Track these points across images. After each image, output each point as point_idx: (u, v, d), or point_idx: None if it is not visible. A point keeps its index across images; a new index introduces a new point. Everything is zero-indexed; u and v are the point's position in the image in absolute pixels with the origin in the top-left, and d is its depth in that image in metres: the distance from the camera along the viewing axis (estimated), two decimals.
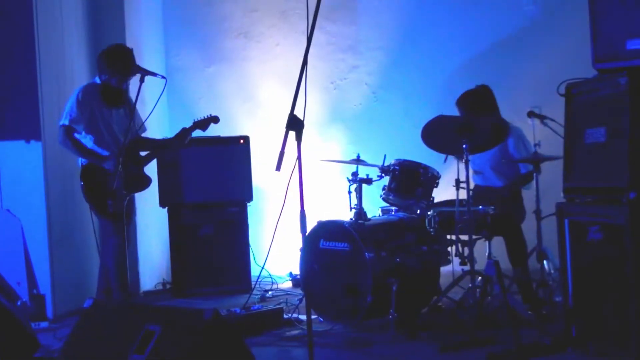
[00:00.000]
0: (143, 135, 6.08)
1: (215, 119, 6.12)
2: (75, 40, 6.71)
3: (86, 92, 5.69)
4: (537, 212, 5.65)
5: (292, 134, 3.77)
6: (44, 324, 5.85)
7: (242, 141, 7.17)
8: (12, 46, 6.00)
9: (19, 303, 5.52)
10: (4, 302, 4.45)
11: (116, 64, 5.70)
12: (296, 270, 7.27)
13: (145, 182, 5.94)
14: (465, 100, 5.98)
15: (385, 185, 5.88)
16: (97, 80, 5.77)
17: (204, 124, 6.08)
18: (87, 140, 5.67)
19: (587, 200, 4.51)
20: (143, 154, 5.98)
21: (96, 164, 5.57)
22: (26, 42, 6.01)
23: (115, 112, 5.80)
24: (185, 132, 6.00)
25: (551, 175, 5.66)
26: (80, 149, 5.65)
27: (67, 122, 5.63)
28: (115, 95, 5.77)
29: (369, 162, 5.99)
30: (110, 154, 5.59)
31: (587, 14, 4.56)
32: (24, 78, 6.03)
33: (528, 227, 5.89)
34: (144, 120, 6.01)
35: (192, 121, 6.05)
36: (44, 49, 6.12)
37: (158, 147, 6.08)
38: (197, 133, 6.15)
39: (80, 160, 5.74)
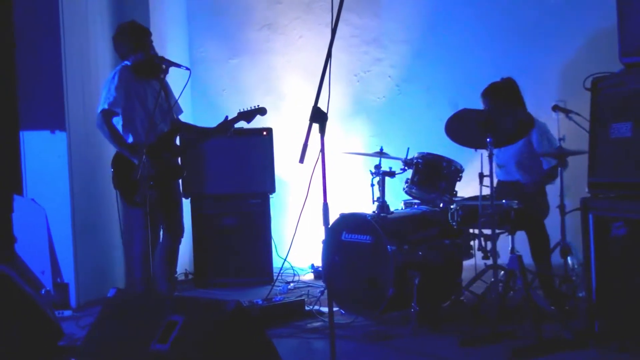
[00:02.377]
0: (180, 117, 6.01)
1: (262, 111, 5.87)
2: (99, 32, 6.74)
3: (121, 73, 5.63)
4: (561, 206, 5.61)
5: (315, 126, 3.77)
6: (67, 313, 5.91)
7: (265, 133, 7.18)
8: (37, 37, 6.04)
9: (43, 292, 5.57)
10: (28, 291, 4.49)
11: (130, 38, 5.67)
12: (318, 263, 7.28)
13: (178, 172, 5.87)
14: (491, 92, 5.95)
15: (408, 179, 5.87)
16: (128, 62, 5.72)
17: (249, 115, 5.85)
18: (119, 124, 5.61)
19: (611, 196, 4.48)
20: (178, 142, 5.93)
21: (126, 155, 5.55)
22: (51, 32, 6.05)
23: (150, 87, 5.71)
24: (228, 122, 5.81)
25: (575, 170, 5.63)
26: (114, 135, 5.56)
27: (106, 106, 5.55)
28: (148, 67, 5.64)
29: (392, 154, 5.98)
30: (136, 141, 5.56)
31: (614, 7, 4.52)
32: (48, 69, 6.07)
33: (552, 221, 5.86)
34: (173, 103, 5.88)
35: (237, 111, 5.86)
36: (69, 40, 6.15)
37: (200, 138, 6.02)
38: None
39: None
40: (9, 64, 5.91)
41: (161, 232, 5.85)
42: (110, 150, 5.71)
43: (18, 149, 5.99)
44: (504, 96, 5.90)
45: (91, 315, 5.42)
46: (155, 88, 5.61)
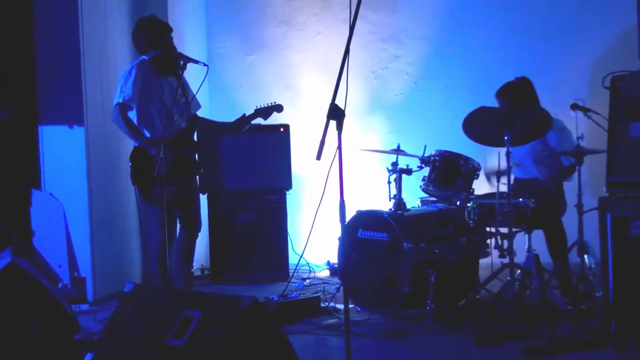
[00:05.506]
0: (199, 112, 6.01)
1: (279, 108, 5.87)
2: (118, 27, 6.77)
3: (139, 67, 5.63)
4: (579, 205, 5.59)
5: (333, 123, 3.76)
6: (84, 307, 5.94)
7: (282, 129, 7.19)
8: (56, 32, 6.07)
9: (60, 285, 5.60)
10: (45, 285, 4.52)
11: (149, 34, 5.68)
12: (334, 259, 7.28)
13: (195, 168, 5.86)
14: (506, 92, 5.94)
15: (425, 176, 5.85)
16: (146, 57, 5.72)
17: (266, 112, 5.84)
18: (134, 118, 5.60)
19: (630, 195, 4.45)
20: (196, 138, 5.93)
21: (143, 147, 5.57)
22: (70, 28, 6.07)
23: (167, 82, 5.70)
24: (245, 119, 5.81)
25: (594, 169, 5.61)
26: (131, 128, 5.57)
27: (120, 100, 5.56)
28: (167, 63, 5.64)
29: (409, 152, 5.97)
30: (154, 137, 5.57)
31: (634, 6, 4.50)
32: (67, 64, 6.10)
33: (569, 220, 5.84)
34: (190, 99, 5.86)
35: (254, 108, 5.85)
36: (88, 35, 6.18)
37: (217, 135, 6.02)
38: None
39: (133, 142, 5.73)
40: (28, 59, 5.97)
41: (178, 228, 5.86)
42: (128, 145, 5.73)
43: (37, 144, 6.04)
44: (518, 95, 5.88)
45: (108, 309, 5.45)
46: (173, 84, 5.62)
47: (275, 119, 6.05)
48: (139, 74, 5.60)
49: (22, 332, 4.27)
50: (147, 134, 5.59)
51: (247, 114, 5.83)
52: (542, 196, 5.60)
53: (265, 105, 5.85)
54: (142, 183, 5.51)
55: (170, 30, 5.74)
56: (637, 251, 4.29)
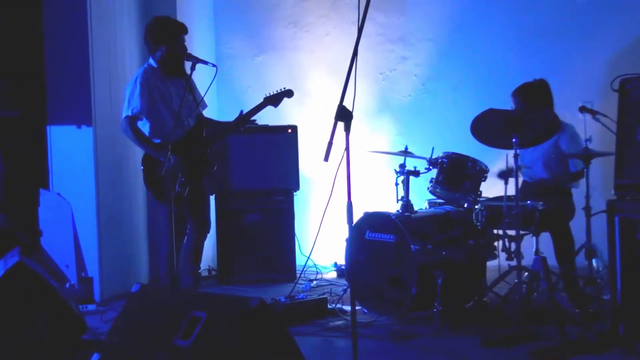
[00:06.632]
0: (204, 112, 5.97)
1: (289, 93, 5.80)
2: (127, 27, 6.79)
3: (143, 77, 5.61)
4: (587, 208, 5.57)
5: (340, 124, 3.76)
6: (91, 307, 5.94)
7: (290, 130, 7.19)
8: (65, 32, 6.08)
9: (67, 285, 5.62)
10: (53, 284, 4.52)
11: (154, 32, 5.66)
12: (341, 261, 7.28)
13: (209, 166, 5.77)
14: (523, 92, 5.92)
15: (432, 178, 5.85)
16: (153, 63, 5.70)
17: (276, 99, 5.77)
18: (146, 128, 5.61)
19: (638, 198, 4.44)
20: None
21: (152, 155, 5.54)
22: (79, 28, 6.09)
23: (174, 85, 5.69)
24: (255, 109, 5.77)
25: (602, 172, 5.58)
26: (140, 139, 5.57)
27: (130, 113, 5.56)
28: (174, 65, 5.64)
29: (417, 154, 5.96)
30: (163, 141, 5.55)
31: None
32: (76, 63, 6.11)
33: (577, 223, 5.82)
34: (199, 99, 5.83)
35: (263, 97, 5.79)
36: (97, 35, 6.19)
37: (220, 134, 5.99)
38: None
39: None
40: (37, 58, 5.98)
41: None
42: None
43: (45, 144, 6.05)
44: (535, 96, 5.87)
45: (115, 309, 5.46)
46: (181, 86, 5.61)
47: (283, 119, 6.04)
48: (145, 84, 5.58)
49: (29, 331, 4.28)
50: (159, 140, 5.58)
51: (244, 111, 5.78)
52: (549, 198, 5.58)
53: (275, 92, 5.81)
54: (155, 185, 5.51)
55: (184, 30, 5.70)
56: None
